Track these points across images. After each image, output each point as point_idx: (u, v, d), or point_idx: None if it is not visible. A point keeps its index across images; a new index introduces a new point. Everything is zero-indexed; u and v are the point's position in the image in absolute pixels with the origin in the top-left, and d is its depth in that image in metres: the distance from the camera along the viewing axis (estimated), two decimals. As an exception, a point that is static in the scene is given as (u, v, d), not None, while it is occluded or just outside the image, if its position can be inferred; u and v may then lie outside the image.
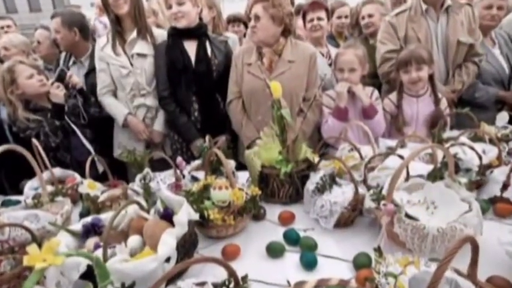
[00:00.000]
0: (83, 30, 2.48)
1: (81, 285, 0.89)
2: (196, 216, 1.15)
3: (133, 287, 0.89)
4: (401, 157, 1.35)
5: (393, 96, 2.15)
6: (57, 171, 1.77)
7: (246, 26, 3.00)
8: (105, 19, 2.76)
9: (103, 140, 2.33)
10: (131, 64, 2.20)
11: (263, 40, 1.99)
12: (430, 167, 1.34)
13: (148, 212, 1.18)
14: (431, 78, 2.08)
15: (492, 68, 2.44)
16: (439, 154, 1.36)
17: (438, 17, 2.29)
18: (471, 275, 0.81)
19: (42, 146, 1.64)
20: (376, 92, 2.13)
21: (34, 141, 1.64)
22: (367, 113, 2.01)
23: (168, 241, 0.99)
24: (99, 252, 0.96)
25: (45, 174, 1.62)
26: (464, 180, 1.23)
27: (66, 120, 2.12)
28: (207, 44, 2.20)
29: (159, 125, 2.30)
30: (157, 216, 1.14)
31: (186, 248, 1.08)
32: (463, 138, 1.57)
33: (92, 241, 1.10)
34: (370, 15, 2.72)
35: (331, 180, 1.39)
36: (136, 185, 1.58)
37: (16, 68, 2.03)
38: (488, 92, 2.41)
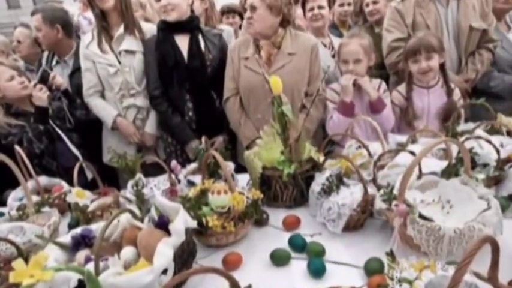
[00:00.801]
0: (66, 27, 2.49)
1: (72, 301, 0.89)
2: (194, 224, 1.15)
3: (128, 302, 0.89)
4: (412, 153, 1.35)
5: (402, 88, 2.15)
6: (43, 179, 1.77)
7: (242, 17, 3.01)
8: (90, 14, 2.76)
9: (91, 145, 2.33)
10: (119, 62, 2.21)
11: (260, 32, 1.99)
12: (444, 163, 1.34)
13: (142, 220, 1.17)
14: (442, 67, 2.08)
15: (508, 54, 2.44)
16: (454, 149, 1.35)
17: (448, 1, 2.29)
18: (492, 278, 0.81)
19: (25, 153, 1.65)
20: (383, 84, 2.13)
21: (17, 148, 1.64)
22: (375, 107, 2.01)
23: (165, 251, 0.99)
24: (90, 266, 0.96)
25: (30, 183, 1.61)
26: (481, 176, 1.22)
27: (51, 124, 2.12)
28: (200, 37, 2.20)
29: (151, 126, 2.30)
30: (152, 225, 1.14)
31: (184, 258, 1.08)
32: (479, 131, 1.57)
33: (82, 254, 1.10)
34: (374, 2, 2.72)
35: (338, 181, 1.39)
36: (128, 192, 1.58)
37: (-5, 69, 2.03)
38: (504, 81, 2.41)
